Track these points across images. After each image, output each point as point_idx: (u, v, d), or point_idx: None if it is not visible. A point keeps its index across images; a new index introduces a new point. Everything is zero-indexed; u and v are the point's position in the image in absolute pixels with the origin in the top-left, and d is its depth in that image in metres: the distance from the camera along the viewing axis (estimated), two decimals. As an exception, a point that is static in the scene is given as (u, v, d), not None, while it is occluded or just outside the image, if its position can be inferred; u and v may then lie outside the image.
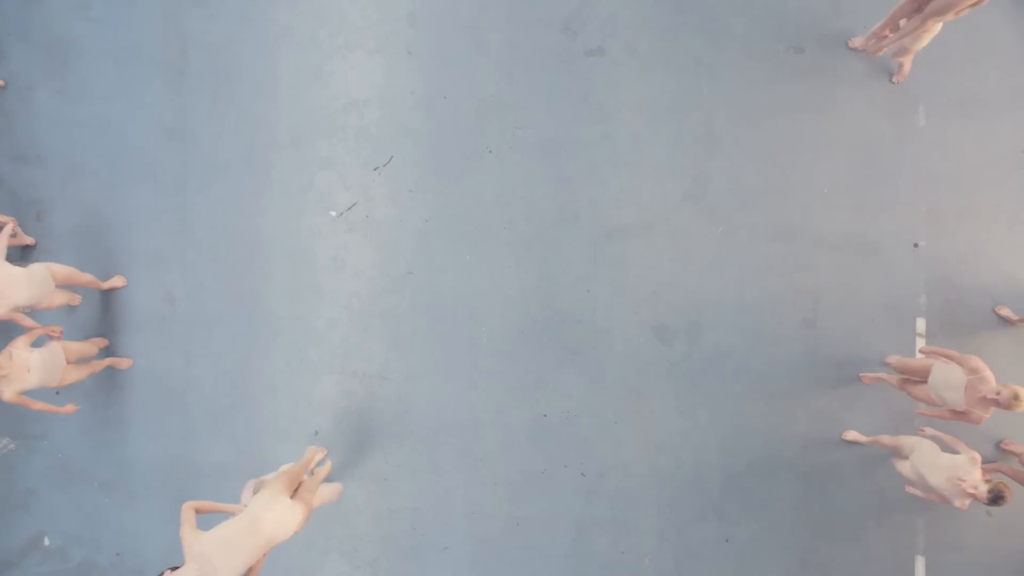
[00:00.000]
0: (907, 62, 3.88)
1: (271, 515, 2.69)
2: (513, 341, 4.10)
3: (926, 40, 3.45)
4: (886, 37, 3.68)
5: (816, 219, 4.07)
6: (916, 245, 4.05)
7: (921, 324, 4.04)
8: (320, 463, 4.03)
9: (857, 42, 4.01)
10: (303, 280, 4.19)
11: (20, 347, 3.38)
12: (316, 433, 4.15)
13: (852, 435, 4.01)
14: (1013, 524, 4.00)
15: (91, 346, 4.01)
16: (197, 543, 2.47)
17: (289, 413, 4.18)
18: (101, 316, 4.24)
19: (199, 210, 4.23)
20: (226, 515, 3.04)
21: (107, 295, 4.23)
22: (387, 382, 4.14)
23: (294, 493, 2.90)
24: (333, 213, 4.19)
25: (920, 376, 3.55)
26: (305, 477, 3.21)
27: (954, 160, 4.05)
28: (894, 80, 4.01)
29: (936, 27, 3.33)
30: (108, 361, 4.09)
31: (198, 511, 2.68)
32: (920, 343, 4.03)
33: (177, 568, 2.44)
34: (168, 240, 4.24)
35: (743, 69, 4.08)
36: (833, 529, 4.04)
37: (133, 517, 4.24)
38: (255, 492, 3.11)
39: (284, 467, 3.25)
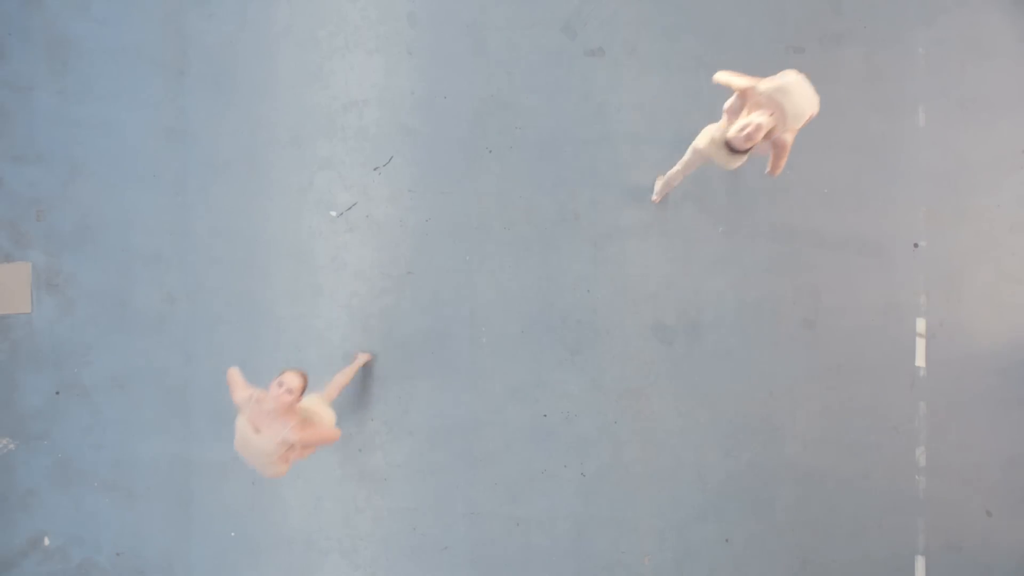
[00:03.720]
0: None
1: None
2: (513, 341, 4.10)
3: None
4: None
5: (816, 219, 4.07)
6: (916, 245, 4.05)
7: (921, 324, 4.04)
8: None
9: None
10: (303, 280, 4.19)
11: None
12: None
13: None
14: (1013, 524, 4.01)
15: None
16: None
17: (289, 413, 4.17)
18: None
19: (199, 210, 4.23)
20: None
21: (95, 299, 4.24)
22: (387, 382, 4.15)
23: None
24: (333, 213, 4.19)
25: None
26: None
27: (954, 160, 4.05)
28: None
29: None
30: None
31: None
32: (920, 343, 4.03)
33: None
34: (168, 240, 4.24)
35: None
36: (833, 529, 4.04)
37: (133, 517, 4.24)
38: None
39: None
